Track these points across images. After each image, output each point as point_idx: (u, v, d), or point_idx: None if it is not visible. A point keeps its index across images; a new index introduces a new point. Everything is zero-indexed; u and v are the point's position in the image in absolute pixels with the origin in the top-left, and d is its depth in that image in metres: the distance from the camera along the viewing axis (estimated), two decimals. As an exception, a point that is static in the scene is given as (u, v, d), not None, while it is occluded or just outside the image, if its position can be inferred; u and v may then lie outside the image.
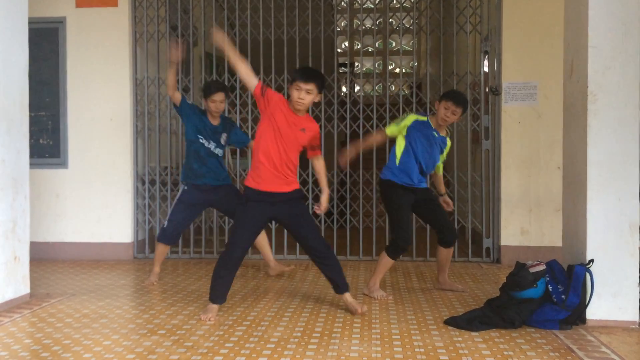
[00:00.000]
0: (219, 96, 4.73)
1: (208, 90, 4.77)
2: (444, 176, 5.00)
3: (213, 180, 4.81)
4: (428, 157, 4.39)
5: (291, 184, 3.86)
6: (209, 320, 3.76)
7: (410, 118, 4.42)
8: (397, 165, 4.40)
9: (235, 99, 6.09)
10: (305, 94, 3.71)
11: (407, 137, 4.38)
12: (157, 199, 6.08)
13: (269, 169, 3.77)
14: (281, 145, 3.76)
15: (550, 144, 5.60)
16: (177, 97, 4.77)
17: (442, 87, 5.97)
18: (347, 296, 3.98)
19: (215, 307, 3.86)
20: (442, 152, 4.48)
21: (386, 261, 4.44)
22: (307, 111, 3.93)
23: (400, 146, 4.41)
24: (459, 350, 3.21)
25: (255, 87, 3.76)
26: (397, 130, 4.43)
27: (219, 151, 4.84)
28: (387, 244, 4.53)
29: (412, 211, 4.55)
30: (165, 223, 4.85)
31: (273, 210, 3.85)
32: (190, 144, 4.80)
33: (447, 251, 4.58)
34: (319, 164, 4.01)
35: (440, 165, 4.59)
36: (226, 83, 6.05)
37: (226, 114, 6.04)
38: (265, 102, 3.76)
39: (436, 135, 4.39)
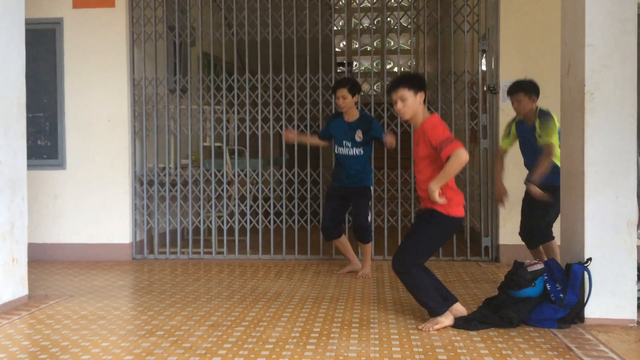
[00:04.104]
0: (339, 92, 4.92)
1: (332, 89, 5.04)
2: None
3: (343, 183, 5.09)
4: (530, 150, 4.63)
5: (427, 202, 3.63)
6: None
7: (514, 124, 4.73)
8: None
9: (234, 99, 6.08)
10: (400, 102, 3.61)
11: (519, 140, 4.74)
12: (155, 199, 6.07)
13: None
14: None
15: (548, 142, 5.58)
16: (319, 141, 5.27)
17: (439, 86, 5.97)
18: (455, 306, 3.67)
19: None
20: (537, 137, 4.57)
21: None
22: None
23: None
24: (457, 350, 3.20)
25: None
26: (512, 138, 4.77)
27: (356, 151, 4.94)
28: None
29: None
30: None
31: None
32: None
33: (532, 252, 4.79)
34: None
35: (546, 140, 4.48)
36: (223, 82, 6.05)
37: (234, 114, 6.05)
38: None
39: (527, 127, 4.62)
